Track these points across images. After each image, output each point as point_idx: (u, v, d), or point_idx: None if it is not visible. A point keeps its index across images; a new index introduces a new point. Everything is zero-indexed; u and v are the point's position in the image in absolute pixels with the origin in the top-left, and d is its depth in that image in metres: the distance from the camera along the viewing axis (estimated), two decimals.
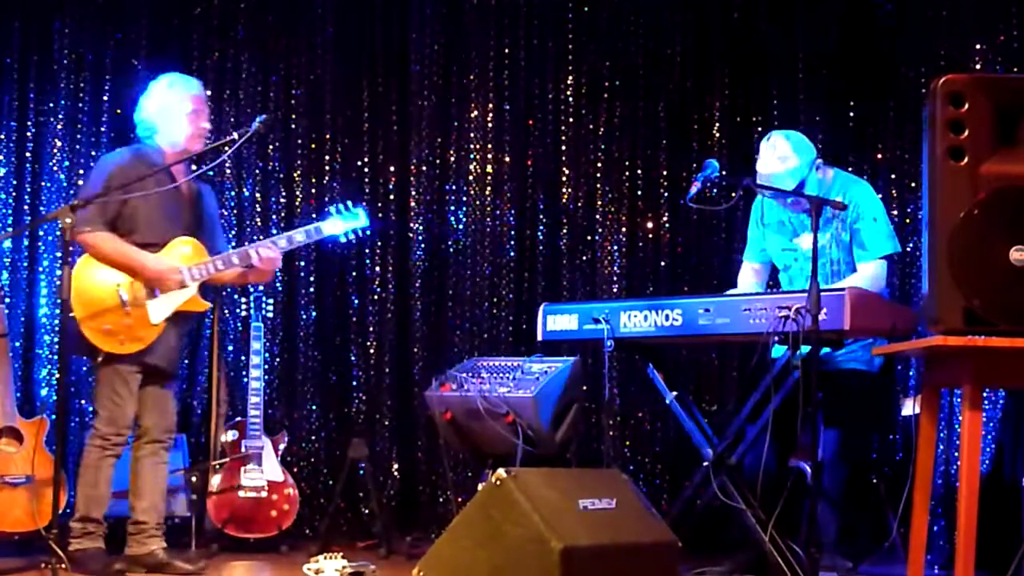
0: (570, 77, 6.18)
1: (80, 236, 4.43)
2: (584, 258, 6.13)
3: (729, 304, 4.21)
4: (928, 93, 3.25)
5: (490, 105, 6.14)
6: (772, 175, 4.48)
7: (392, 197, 6.15)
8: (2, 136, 5.73)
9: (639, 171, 6.17)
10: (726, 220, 6.01)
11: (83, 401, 5.72)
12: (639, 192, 6.17)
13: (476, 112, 6.15)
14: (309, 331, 6.06)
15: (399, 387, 6.06)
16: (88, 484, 4.52)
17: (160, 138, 4.62)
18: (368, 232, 5.02)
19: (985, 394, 4.97)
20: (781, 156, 4.49)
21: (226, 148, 4.48)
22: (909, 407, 5.27)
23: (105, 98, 5.88)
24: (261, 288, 5.51)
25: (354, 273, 6.11)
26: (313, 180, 6.13)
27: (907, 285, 5.70)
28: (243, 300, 5.67)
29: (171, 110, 4.61)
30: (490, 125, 6.14)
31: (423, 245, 6.12)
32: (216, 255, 4.60)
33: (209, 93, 5.87)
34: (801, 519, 4.27)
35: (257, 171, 6.07)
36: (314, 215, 5.85)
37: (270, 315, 5.67)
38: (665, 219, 6.13)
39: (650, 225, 6.14)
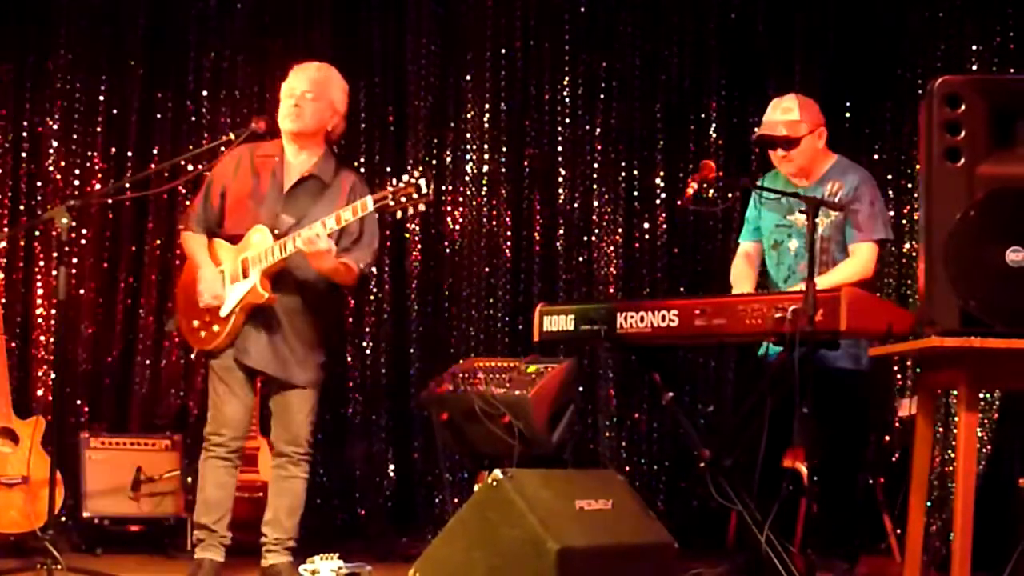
0: (566, 78, 6.17)
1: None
2: (580, 259, 6.13)
3: (725, 305, 4.20)
4: (925, 94, 3.25)
5: (486, 106, 6.13)
6: (768, 121, 4.52)
7: None
8: None
9: (635, 172, 6.17)
10: (723, 221, 6.02)
11: (79, 401, 5.71)
12: (635, 193, 6.17)
13: (472, 113, 6.14)
14: None
15: (395, 388, 6.05)
16: (199, 488, 4.39)
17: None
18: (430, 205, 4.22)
19: (981, 395, 4.97)
20: (784, 108, 4.52)
21: (222, 148, 4.47)
22: (906, 408, 5.28)
23: (101, 98, 5.87)
24: None
25: None
26: None
27: (903, 286, 5.70)
28: None
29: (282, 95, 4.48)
30: (486, 126, 6.13)
31: (420, 246, 6.11)
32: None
33: (206, 93, 5.93)
34: (797, 520, 4.26)
35: None
36: None
37: None
38: (662, 220, 6.13)
39: (647, 226, 6.14)
